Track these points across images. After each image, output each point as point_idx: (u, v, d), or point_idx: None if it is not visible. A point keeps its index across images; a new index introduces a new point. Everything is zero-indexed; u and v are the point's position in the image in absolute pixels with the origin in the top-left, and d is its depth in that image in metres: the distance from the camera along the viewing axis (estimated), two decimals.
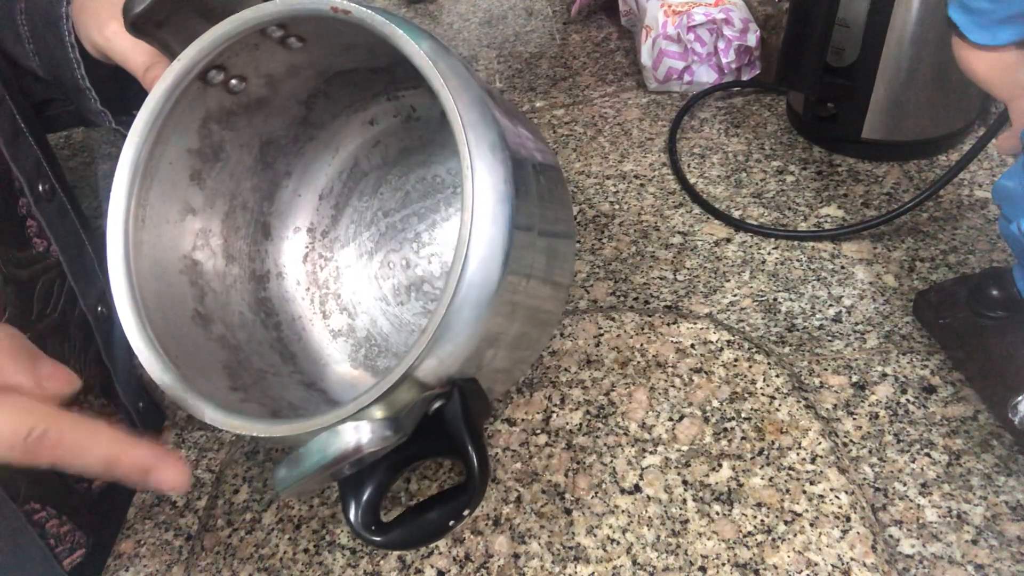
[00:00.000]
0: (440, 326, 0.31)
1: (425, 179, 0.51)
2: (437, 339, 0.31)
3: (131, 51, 0.41)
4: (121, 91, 0.46)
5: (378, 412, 0.32)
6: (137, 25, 0.36)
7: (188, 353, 0.37)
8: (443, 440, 0.35)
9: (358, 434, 0.31)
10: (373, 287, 0.51)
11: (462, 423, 0.34)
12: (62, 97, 0.49)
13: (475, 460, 0.34)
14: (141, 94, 0.38)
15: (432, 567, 0.41)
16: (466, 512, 0.34)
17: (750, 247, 0.57)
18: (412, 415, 0.33)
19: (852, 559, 0.38)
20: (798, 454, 0.43)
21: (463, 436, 0.34)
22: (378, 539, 0.35)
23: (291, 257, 0.50)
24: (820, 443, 0.44)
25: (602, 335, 0.52)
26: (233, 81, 0.40)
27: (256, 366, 0.42)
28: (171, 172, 0.40)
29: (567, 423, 0.47)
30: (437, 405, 0.34)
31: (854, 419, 0.45)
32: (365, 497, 0.36)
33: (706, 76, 0.74)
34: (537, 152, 0.39)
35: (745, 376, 0.48)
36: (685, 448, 0.44)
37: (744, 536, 0.40)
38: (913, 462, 0.42)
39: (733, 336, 0.50)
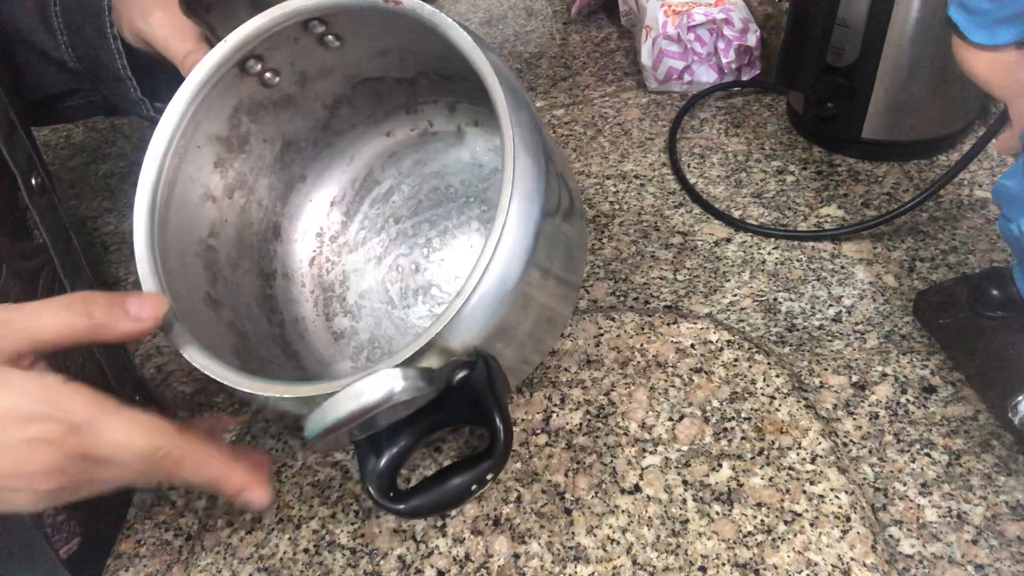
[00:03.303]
0: (470, 296, 0.32)
1: (438, 189, 0.51)
2: (464, 311, 0.32)
3: (173, 38, 0.42)
4: (153, 80, 0.47)
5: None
6: (190, 4, 0.39)
7: (202, 332, 0.38)
8: (466, 408, 0.35)
9: (391, 382, 0.31)
10: (379, 290, 0.51)
11: (488, 390, 0.34)
12: (89, 87, 0.50)
13: (500, 425, 0.34)
14: (170, 84, 0.40)
15: (432, 567, 0.41)
16: (490, 476, 0.35)
17: (750, 247, 0.57)
18: (443, 375, 0.33)
19: (852, 559, 0.38)
20: (798, 454, 0.43)
21: (488, 402, 0.35)
22: (400, 506, 0.35)
23: (298, 259, 0.51)
24: (820, 443, 0.44)
25: (602, 335, 0.52)
26: (268, 74, 0.41)
27: (262, 355, 0.43)
28: (198, 156, 0.41)
29: (567, 423, 0.47)
30: (461, 375, 0.34)
31: (854, 419, 0.45)
32: (383, 463, 0.36)
33: (706, 76, 0.74)
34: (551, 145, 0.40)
35: (745, 376, 0.48)
36: (685, 448, 0.44)
37: (744, 536, 0.40)
38: (913, 462, 0.42)
39: (733, 336, 0.50)
